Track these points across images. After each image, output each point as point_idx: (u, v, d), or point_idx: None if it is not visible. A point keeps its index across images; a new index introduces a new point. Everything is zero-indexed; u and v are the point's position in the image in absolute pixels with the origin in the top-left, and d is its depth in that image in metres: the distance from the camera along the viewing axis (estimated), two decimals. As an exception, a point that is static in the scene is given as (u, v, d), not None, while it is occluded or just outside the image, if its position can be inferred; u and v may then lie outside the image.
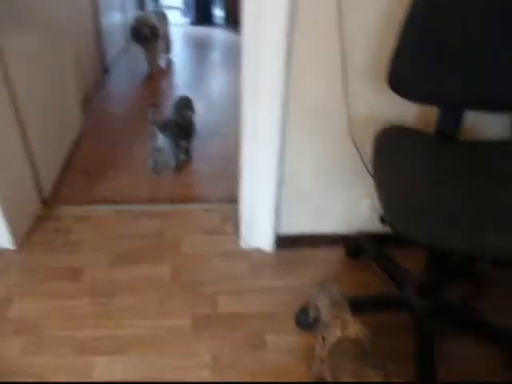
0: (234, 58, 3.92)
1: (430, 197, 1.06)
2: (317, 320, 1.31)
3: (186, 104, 2.36)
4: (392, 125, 1.36)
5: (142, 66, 3.58)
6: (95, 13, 3.22)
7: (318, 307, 1.27)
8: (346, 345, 1.13)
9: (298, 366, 1.34)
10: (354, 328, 1.16)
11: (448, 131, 1.35)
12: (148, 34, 3.29)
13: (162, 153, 2.20)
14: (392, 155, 1.23)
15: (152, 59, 3.54)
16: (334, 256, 1.73)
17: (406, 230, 1.01)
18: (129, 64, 3.85)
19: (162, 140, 2.14)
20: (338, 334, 1.16)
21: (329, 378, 1.12)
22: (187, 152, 2.31)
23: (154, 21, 3.36)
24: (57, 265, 1.66)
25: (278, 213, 1.66)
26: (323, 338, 1.18)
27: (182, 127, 2.24)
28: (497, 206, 1.05)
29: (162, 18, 3.66)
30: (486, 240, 0.98)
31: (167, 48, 3.89)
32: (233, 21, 4.99)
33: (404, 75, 1.27)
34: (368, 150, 1.42)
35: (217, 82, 3.56)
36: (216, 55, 4.36)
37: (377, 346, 1.14)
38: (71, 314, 1.48)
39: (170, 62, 3.90)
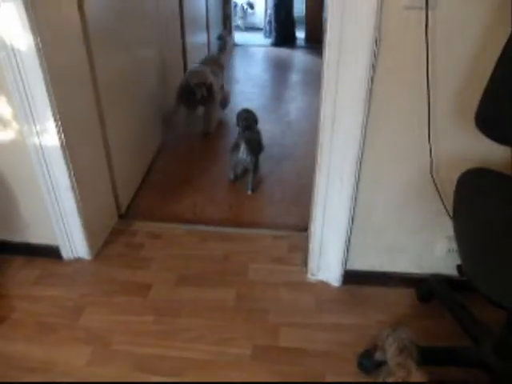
0: (313, 80, 3.91)
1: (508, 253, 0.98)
2: (381, 364, 1.25)
3: (252, 118, 2.39)
4: (477, 167, 1.27)
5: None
6: (183, 30, 3.31)
7: (385, 350, 1.22)
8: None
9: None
10: (418, 379, 1.10)
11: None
12: (204, 94, 2.69)
13: (242, 164, 2.30)
14: (475, 200, 1.15)
15: (207, 121, 2.89)
16: (403, 298, 1.64)
17: (488, 291, 0.93)
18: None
19: (244, 152, 2.19)
20: (401, 374, 1.10)
21: None
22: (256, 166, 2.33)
23: (209, 76, 2.73)
24: (127, 279, 1.71)
25: (348, 247, 1.61)
26: None
27: (257, 141, 2.29)
28: None
29: (218, 67, 3.02)
30: None
31: (224, 104, 3.19)
32: (313, 41, 5.00)
33: (494, 115, 1.19)
34: (449, 191, 1.35)
35: (295, 104, 3.56)
36: (296, 77, 4.38)
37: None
38: (135, 330, 1.52)
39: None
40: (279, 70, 4.58)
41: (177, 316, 1.57)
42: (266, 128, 2.87)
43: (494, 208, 1.13)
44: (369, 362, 1.37)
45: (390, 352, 1.20)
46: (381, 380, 1.16)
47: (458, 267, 1.37)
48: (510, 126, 1.18)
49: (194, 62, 3.19)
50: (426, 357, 1.22)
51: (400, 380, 1.11)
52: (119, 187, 2.01)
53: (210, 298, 1.63)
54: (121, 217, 2.05)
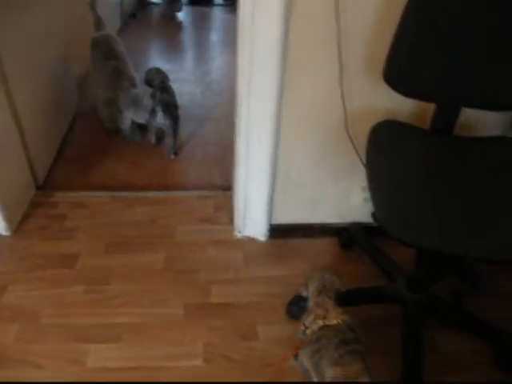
0: (233, 39, 3.86)
1: (421, 199, 1.08)
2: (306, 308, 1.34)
3: (165, 76, 2.32)
4: (387, 119, 1.36)
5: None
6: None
7: (308, 287, 1.30)
8: (327, 333, 1.15)
9: (287, 355, 1.36)
10: (336, 317, 1.18)
11: (443, 127, 1.35)
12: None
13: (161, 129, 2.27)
14: (385, 150, 1.24)
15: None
16: (327, 246, 1.74)
17: (395, 232, 1.02)
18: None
19: (162, 117, 2.17)
20: (320, 322, 1.19)
21: (309, 366, 1.15)
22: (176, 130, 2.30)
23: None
24: (51, 252, 1.67)
25: (271, 202, 1.67)
26: (305, 327, 1.20)
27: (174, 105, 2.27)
28: (488, 208, 1.07)
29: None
30: (477, 241, 1.00)
31: None
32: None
33: (400, 71, 1.26)
34: (363, 143, 1.42)
35: (215, 64, 3.52)
36: (215, 36, 4.30)
37: (365, 338, 1.18)
38: (65, 302, 1.50)
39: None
40: (197, 30, 4.47)
41: (107, 283, 1.56)
42: (187, 90, 2.83)
43: (401, 156, 1.22)
44: (296, 308, 1.45)
45: (310, 291, 1.28)
46: (303, 322, 1.24)
47: (373, 214, 1.48)
48: (413, 81, 1.27)
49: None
50: (349, 298, 1.33)
51: (319, 319, 1.20)
52: (34, 158, 1.92)
53: (139, 262, 1.64)
54: (39, 189, 1.97)
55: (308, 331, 1.20)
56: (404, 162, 1.19)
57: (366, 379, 1.05)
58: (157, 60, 3.54)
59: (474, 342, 1.43)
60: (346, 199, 1.70)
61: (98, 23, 2.46)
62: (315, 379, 1.13)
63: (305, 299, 1.30)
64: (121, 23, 3.95)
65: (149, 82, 2.31)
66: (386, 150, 1.24)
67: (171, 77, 2.32)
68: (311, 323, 1.20)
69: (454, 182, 1.14)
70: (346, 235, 1.73)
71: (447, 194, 1.09)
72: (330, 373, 1.07)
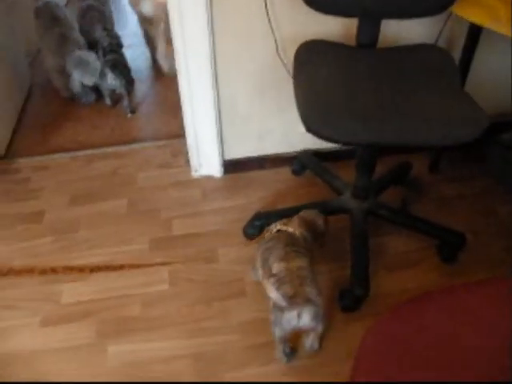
0: None
1: (339, 99, 1.17)
2: (263, 228, 1.46)
3: (116, 43, 2.37)
4: (312, 39, 1.43)
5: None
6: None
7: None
8: (281, 236, 1.27)
9: (247, 272, 1.46)
10: (295, 228, 1.29)
11: (366, 42, 1.43)
12: None
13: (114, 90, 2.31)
14: (309, 64, 1.32)
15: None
16: (280, 175, 1.84)
17: (319, 131, 1.12)
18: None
19: (113, 78, 2.21)
20: (279, 226, 1.30)
21: (258, 263, 1.26)
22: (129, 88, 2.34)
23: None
24: (18, 211, 1.74)
25: (222, 139, 1.76)
26: (268, 231, 1.32)
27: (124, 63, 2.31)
28: (398, 102, 1.17)
29: None
30: (387, 129, 1.10)
31: None
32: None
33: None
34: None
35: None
36: None
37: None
38: (36, 252, 1.58)
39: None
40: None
41: (74, 231, 1.65)
42: (139, 53, 2.86)
43: (324, 68, 1.30)
44: (252, 229, 1.56)
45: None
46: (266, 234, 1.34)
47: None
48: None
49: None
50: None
51: (279, 225, 1.31)
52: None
53: (103, 209, 1.73)
54: (0, 158, 2.02)
55: (267, 234, 1.32)
56: (326, 73, 1.28)
57: (305, 273, 1.16)
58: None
59: (419, 240, 1.55)
60: (293, 128, 1.78)
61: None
62: (260, 273, 1.24)
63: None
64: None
65: (97, 45, 2.35)
66: (310, 64, 1.32)
67: (125, 43, 2.37)
68: (273, 228, 1.32)
69: (370, 84, 1.23)
70: (297, 162, 1.83)
71: (363, 94, 1.19)
72: (275, 267, 1.18)
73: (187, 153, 1.87)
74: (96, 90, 2.36)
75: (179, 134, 2.04)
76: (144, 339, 1.32)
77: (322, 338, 1.25)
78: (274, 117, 1.75)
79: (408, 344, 0.76)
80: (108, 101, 2.35)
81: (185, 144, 1.93)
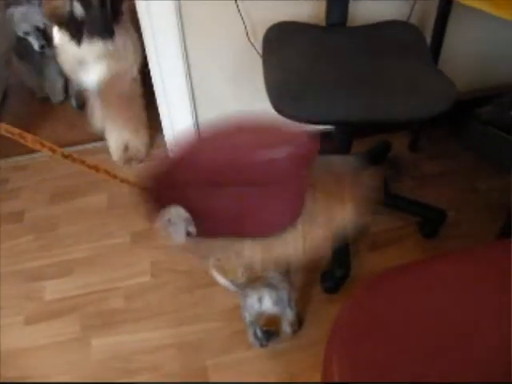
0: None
1: (306, 78, 1.16)
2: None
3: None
4: (281, 21, 1.42)
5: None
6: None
7: None
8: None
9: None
10: None
11: (336, 21, 1.43)
12: None
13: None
14: (279, 46, 1.31)
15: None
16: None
17: (286, 111, 1.12)
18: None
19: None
20: None
21: None
22: None
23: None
24: (-2, 212, 1.73)
25: (197, 126, 1.75)
26: None
27: None
28: (369, 76, 1.16)
29: None
30: (356, 105, 1.10)
31: None
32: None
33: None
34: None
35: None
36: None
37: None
38: (17, 251, 1.57)
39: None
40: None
41: (55, 229, 1.64)
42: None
43: (292, 48, 1.30)
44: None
45: None
46: None
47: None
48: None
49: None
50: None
51: None
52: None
53: (84, 205, 1.72)
54: (-22, 160, 2.00)
55: None
56: (294, 53, 1.27)
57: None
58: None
59: (400, 219, 1.56)
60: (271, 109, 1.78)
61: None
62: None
63: None
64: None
65: None
66: (278, 45, 1.32)
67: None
68: None
69: (340, 62, 1.23)
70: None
71: (332, 72, 1.18)
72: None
73: (166, 145, 1.86)
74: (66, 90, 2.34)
75: (157, 127, 2.04)
76: (128, 331, 1.32)
77: (302, 321, 1.26)
78: (249, 100, 1.74)
79: (382, 316, 0.76)
80: (74, 103, 2.31)
81: (163, 137, 1.93)
